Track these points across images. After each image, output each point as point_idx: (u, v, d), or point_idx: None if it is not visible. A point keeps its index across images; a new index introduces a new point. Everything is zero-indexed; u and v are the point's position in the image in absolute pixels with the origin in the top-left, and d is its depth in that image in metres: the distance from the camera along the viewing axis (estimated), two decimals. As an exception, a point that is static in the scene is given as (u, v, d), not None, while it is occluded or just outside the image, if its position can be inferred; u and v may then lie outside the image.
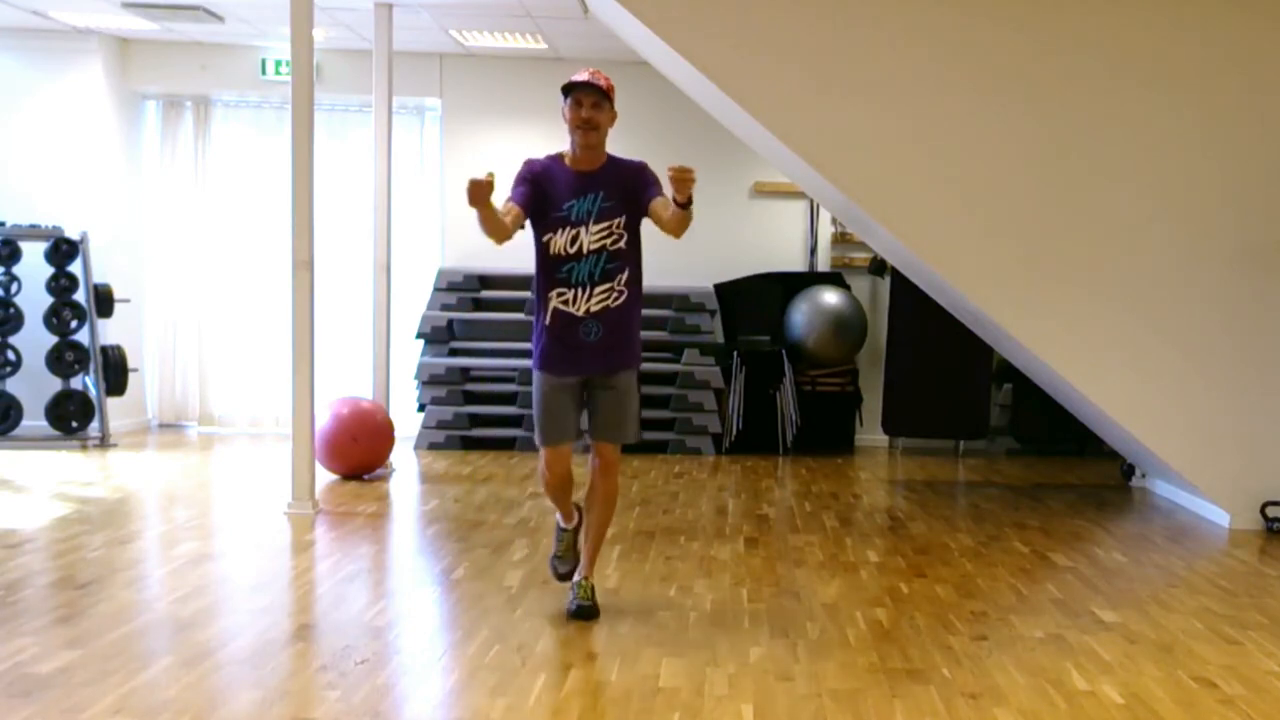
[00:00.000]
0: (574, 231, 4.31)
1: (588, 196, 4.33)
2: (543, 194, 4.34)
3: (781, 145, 6.59)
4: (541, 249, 4.38)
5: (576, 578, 4.64)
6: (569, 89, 4.31)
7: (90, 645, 4.08)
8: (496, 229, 4.21)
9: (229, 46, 9.40)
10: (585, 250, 4.32)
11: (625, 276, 4.39)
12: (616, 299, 4.37)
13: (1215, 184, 6.51)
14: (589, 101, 4.30)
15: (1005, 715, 3.61)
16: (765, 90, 6.47)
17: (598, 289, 4.34)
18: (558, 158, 4.42)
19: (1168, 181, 6.52)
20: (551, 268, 4.36)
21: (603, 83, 4.30)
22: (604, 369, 4.44)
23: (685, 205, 4.14)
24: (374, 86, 8.03)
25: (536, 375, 4.49)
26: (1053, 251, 6.52)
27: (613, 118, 4.38)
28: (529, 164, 4.42)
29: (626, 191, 4.35)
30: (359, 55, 8.98)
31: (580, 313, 4.35)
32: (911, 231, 6.60)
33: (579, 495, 4.77)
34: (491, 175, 4.08)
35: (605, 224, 4.32)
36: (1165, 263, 6.54)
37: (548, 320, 4.39)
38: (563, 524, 4.76)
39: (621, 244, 4.36)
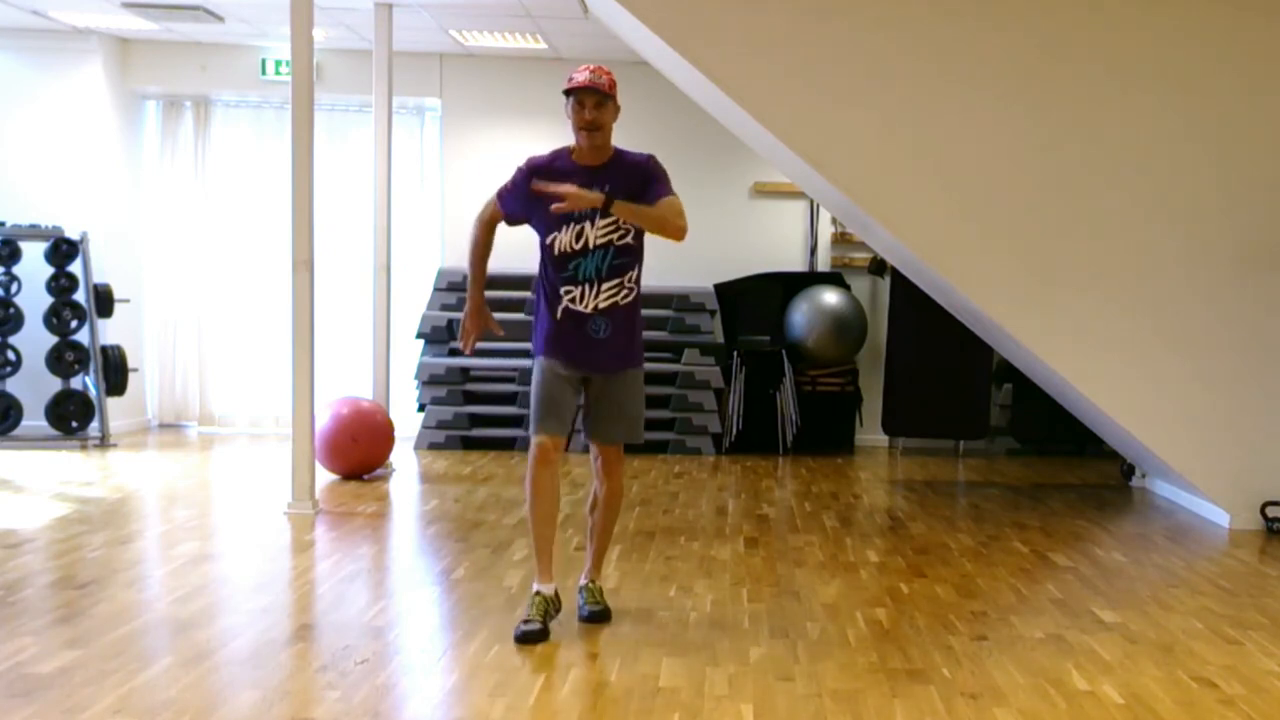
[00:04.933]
0: (579, 227, 4.23)
1: (593, 191, 4.20)
2: (541, 200, 4.22)
3: (781, 145, 6.59)
4: (546, 250, 4.31)
5: (583, 581, 4.59)
6: (571, 91, 4.24)
7: (90, 645, 4.08)
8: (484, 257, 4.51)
9: (229, 46, 9.40)
10: (591, 245, 4.23)
11: (633, 274, 4.33)
12: (625, 296, 4.31)
13: (1215, 184, 6.51)
14: (591, 103, 4.22)
15: (1005, 715, 3.61)
16: (765, 90, 6.46)
17: (605, 285, 4.26)
18: (564, 152, 4.35)
19: (1168, 182, 6.51)
20: (558, 266, 4.28)
21: (604, 82, 4.23)
22: (610, 368, 4.35)
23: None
24: (374, 86, 8.03)
25: (539, 361, 4.35)
26: (1052, 251, 6.52)
27: (616, 113, 4.31)
28: (530, 164, 4.35)
29: (634, 186, 4.26)
30: (359, 55, 8.98)
31: (588, 310, 4.27)
32: (911, 231, 6.60)
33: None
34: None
35: (613, 219, 4.22)
36: (1165, 262, 6.54)
37: (558, 316, 4.30)
38: (539, 584, 4.36)
39: (629, 239, 4.27)
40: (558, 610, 4.38)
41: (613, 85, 4.27)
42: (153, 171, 9.86)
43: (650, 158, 4.36)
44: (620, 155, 4.35)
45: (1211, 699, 3.81)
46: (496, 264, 4.60)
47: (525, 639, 4.19)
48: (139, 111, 9.75)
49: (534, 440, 4.30)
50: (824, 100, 6.47)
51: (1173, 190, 6.52)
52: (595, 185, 4.21)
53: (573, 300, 4.28)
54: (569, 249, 4.25)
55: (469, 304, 4.47)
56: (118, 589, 4.85)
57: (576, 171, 4.27)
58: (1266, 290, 6.52)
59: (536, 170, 4.31)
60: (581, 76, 4.23)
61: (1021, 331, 6.62)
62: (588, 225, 4.23)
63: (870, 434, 9.49)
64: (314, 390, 6.44)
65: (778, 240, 9.79)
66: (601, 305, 4.28)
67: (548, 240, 4.30)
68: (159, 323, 9.91)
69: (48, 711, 3.46)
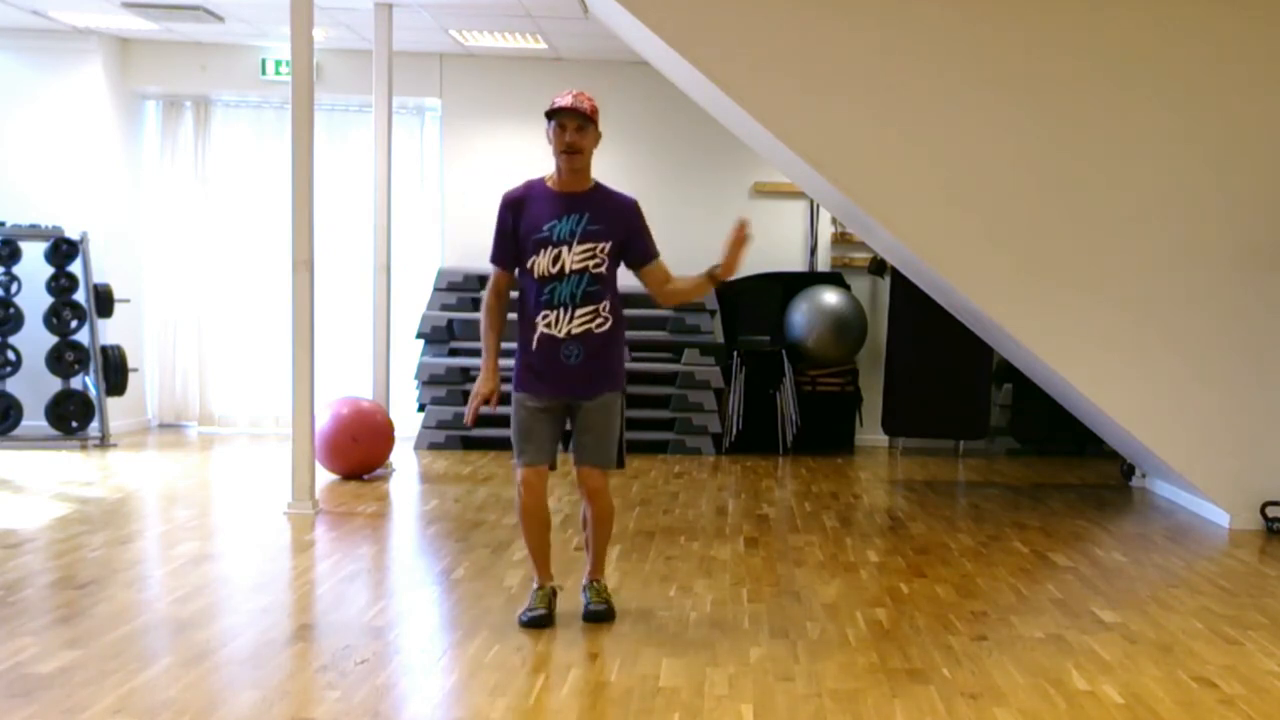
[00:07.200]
0: (556, 251, 4.29)
1: (570, 217, 4.30)
2: (522, 225, 4.34)
3: (781, 145, 6.59)
4: (526, 274, 4.36)
5: (586, 580, 4.62)
6: (553, 114, 4.29)
7: (90, 645, 4.08)
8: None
9: (229, 46, 9.40)
10: (567, 270, 4.28)
11: (608, 304, 4.37)
12: (600, 325, 4.35)
13: (1215, 184, 6.51)
14: (572, 126, 4.28)
15: (1005, 715, 3.62)
16: (765, 91, 6.46)
17: (579, 311, 4.31)
18: (539, 180, 4.42)
19: (1168, 181, 6.52)
20: (536, 290, 4.34)
21: (586, 106, 4.29)
22: (584, 393, 4.38)
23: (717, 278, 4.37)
24: (374, 86, 8.03)
25: (515, 396, 4.42)
26: (1052, 251, 6.52)
27: (597, 139, 4.36)
28: (505, 201, 4.41)
29: (616, 224, 4.35)
30: (359, 55, 8.97)
31: (562, 334, 4.31)
32: (911, 231, 6.60)
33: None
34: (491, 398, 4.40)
35: (589, 246, 4.29)
36: (1165, 262, 6.54)
37: (533, 344, 4.35)
38: (538, 582, 4.52)
39: (604, 269, 4.33)
40: (557, 595, 4.54)
41: (595, 111, 4.32)
42: (153, 171, 9.85)
43: (635, 204, 4.44)
44: (601, 189, 4.42)
45: (1211, 699, 3.82)
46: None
47: (532, 624, 4.38)
48: (139, 111, 9.75)
49: (517, 472, 4.44)
50: (824, 100, 6.47)
51: (1173, 190, 6.52)
52: (573, 212, 4.31)
53: (548, 325, 4.32)
54: (546, 273, 4.30)
55: (483, 370, 4.46)
56: (118, 589, 4.85)
57: (554, 198, 4.35)
58: (1266, 290, 6.52)
59: (513, 203, 4.39)
60: (564, 100, 4.29)
61: (1021, 331, 6.62)
62: (565, 250, 4.29)
63: (870, 434, 9.49)
64: (314, 390, 6.44)
65: (778, 240, 9.78)
66: (575, 331, 4.31)
67: (528, 264, 4.34)
68: (159, 323, 9.91)
69: (48, 711, 3.46)
